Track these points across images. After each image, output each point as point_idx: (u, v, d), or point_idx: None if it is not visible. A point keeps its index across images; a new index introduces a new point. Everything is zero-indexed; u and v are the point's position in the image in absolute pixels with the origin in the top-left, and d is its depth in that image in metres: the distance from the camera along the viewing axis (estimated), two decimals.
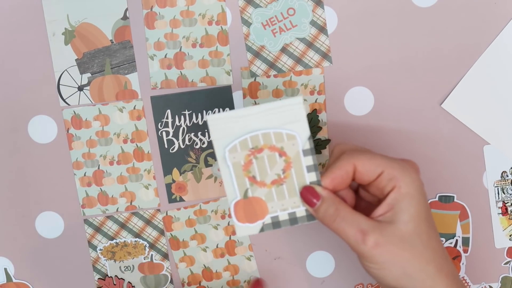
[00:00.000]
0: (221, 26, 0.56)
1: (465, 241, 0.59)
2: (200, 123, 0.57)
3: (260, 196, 0.48)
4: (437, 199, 0.58)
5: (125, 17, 0.56)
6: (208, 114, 0.57)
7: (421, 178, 0.45)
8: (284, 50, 0.56)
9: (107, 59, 0.57)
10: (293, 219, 0.48)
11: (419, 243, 0.43)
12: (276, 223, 0.48)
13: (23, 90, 0.57)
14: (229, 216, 0.59)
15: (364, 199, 0.48)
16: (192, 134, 0.58)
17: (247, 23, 0.56)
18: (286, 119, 0.46)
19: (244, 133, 0.47)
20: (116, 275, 0.61)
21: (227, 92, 0.57)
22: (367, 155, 0.45)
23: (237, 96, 0.57)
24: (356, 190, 0.49)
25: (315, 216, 0.46)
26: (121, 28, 0.56)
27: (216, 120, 0.46)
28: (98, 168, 0.59)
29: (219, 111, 0.57)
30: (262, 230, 0.48)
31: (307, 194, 0.46)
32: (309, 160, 0.47)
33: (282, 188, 0.48)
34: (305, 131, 0.46)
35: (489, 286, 0.60)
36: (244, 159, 0.47)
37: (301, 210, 0.48)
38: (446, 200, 0.58)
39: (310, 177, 0.47)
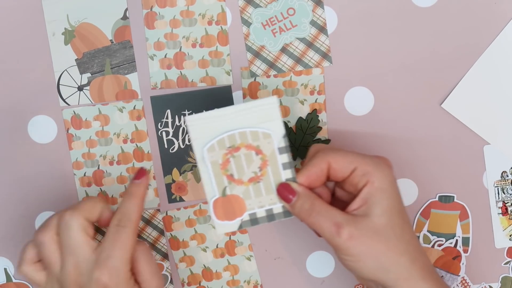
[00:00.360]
0: (221, 26, 0.56)
1: (465, 241, 0.59)
2: None
3: (238, 193, 0.49)
4: (437, 199, 0.58)
5: (125, 17, 0.56)
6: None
7: (394, 174, 0.46)
8: (284, 50, 0.56)
9: (107, 59, 0.57)
10: (270, 216, 0.49)
11: (393, 236, 0.44)
12: (254, 220, 0.49)
13: (23, 90, 0.57)
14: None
15: (340, 199, 0.49)
16: None
17: (247, 23, 0.56)
18: (262, 118, 0.48)
19: (221, 133, 0.48)
20: None
21: (227, 92, 0.57)
22: (340, 152, 0.46)
23: (237, 96, 0.57)
24: (332, 192, 0.50)
25: (291, 211, 0.47)
26: (121, 28, 0.56)
27: (194, 120, 0.48)
28: (98, 168, 0.59)
29: None
30: (240, 227, 0.49)
31: (283, 190, 0.47)
32: (284, 158, 0.48)
33: (259, 186, 0.49)
34: (281, 129, 0.48)
35: (489, 286, 0.60)
36: (222, 158, 0.48)
37: (277, 207, 0.49)
38: (446, 200, 0.58)
39: (286, 174, 0.48)
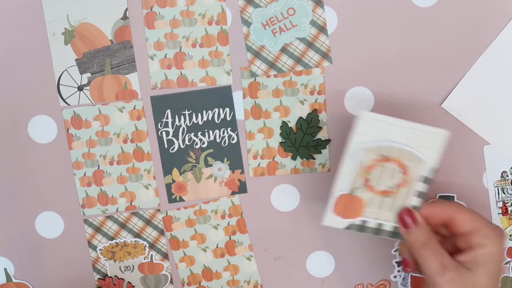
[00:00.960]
0: (221, 26, 0.56)
1: None
2: (200, 123, 0.57)
3: (364, 198, 0.51)
4: (437, 199, 0.58)
5: (125, 17, 0.56)
6: (208, 114, 0.57)
7: (504, 245, 0.49)
8: (284, 50, 0.56)
9: (107, 59, 0.57)
10: (378, 230, 0.51)
11: None
12: (362, 227, 0.51)
13: (23, 90, 0.57)
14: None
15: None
16: (192, 134, 0.58)
17: (247, 23, 0.56)
18: (424, 143, 0.49)
19: (384, 140, 0.50)
20: (116, 275, 0.61)
21: (227, 92, 0.57)
22: (469, 211, 0.49)
23: (237, 96, 0.57)
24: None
25: (404, 237, 0.49)
26: (121, 28, 0.56)
27: (367, 117, 0.49)
28: (98, 168, 0.59)
29: (218, 111, 0.57)
30: (348, 228, 0.51)
31: (407, 216, 0.50)
32: (423, 187, 0.50)
33: (386, 200, 0.51)
34: (435, 161, 0.50)
35: None
36: (370, 162, 0.50)
37: (389, 226, 0.51)
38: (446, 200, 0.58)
39: (415, 202, 0.50)
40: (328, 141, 0.57)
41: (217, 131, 0.58)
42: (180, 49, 0.56)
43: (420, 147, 0.50)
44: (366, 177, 0.50)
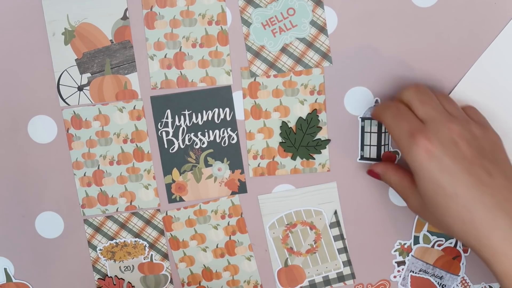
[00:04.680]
0: (221, 26, 0.56)
1: None
2: (200, 123, 0.57)
3: (298, 263, 0.58)
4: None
5: (125, 17, 0.56)
6: (208, 114, 0.57)
7: (427, 153, 0.46)
8: (284, 50, 0.56)
9: (107, 59, 0.57)
10: (326, 281, 0.59)
11: (437, 211, 0.47)
12: (313, 285, 0.59)
13: (23, 90, 0.57)
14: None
15: None
16: (192, 134, 0.58)
17: (247, 23, 0.56)
18: (319, 199, 0.57)
19: (286, 210, 0.58)
20: (116, 275, 0.61)
21: (227, 92, 0.57)
22: (388, 124, 0.50)
23: (237, 96, 0.57)
24: None
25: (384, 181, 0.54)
26: (121, 28, 0.56)
27: (265, 199, 0.57)
28: (98, 168, 0.59)
29: (218, 111, 0.57)
30: None
31: (372, 175, 0.55)
32: (337, 231, 0.58)
33: (315, 256, 0.58)
34: (333, 207, 0.57)
35: (489, 286, 0.60)
36: (282, 233, 0.58)
37: (332, 274, 0.58)
38: None
39: (338, 245, 0.58)
40: (328, 141, 0.57)
41: (217, 131, 0.58)
42: (180, 49, 0.56)
43: (317, 204, 0.57)
44: (288, 247, 0.58)
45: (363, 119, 0.55)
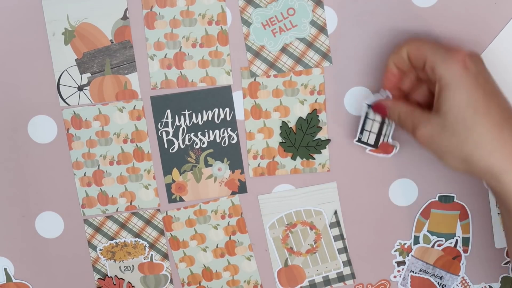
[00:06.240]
0: (221, 26, 0.56)
1: (465, 241, 0.59)
2: (200, 123, 0.57)
3: (298, 263, 0.58)
4: (437, 199, 0.58)
5: (125, 17, 0.56)
6: (208, 114, 0.57)
7: (468, 66, 0.46)
8: (284, 50, 0.56)
9: (107, 59, 0.57)
10: (326, 281, 0.59)
11: (463, 129, 0.46)
12: (313, 285, 0.59)
13: (23, 90, 0.57)
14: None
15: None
16: (192, 134, 0.58)
17: (247, 23, 0.56)
18: (319, 199, 0.57)
19: (286, 210, 0.57)
20: (116, 275, 0.61)
21: (227, 92, 0.57)
22: (417, 43, 0.49)
23: (237, 96, 0.57)
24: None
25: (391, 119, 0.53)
26: (121, 28, 0.56)
27: (265, 199, 0.57)
28: (98, 168, 0.59)
29: (218, 111, 0.57)
30: None
31: (378, 109, 0.53)
32: (337, 231, 0.58)
33: (315, 256, 0.58)
34: (333, 207, 0.57)
35: (489, 286, 0.60)
36: (282, 233, 0.58)
37: (332, 274, 0.58)
38: (446, 200, 0.58)
39: (337, 245, 0.58)
40: (328, 141, 0.57)
41: (217, 131, 0.58)
42: (180, 49, 0.56)
43: (317, 204, 0.57)
44: (288, 247, 0.58)
45: (369, 106, 0.54)
